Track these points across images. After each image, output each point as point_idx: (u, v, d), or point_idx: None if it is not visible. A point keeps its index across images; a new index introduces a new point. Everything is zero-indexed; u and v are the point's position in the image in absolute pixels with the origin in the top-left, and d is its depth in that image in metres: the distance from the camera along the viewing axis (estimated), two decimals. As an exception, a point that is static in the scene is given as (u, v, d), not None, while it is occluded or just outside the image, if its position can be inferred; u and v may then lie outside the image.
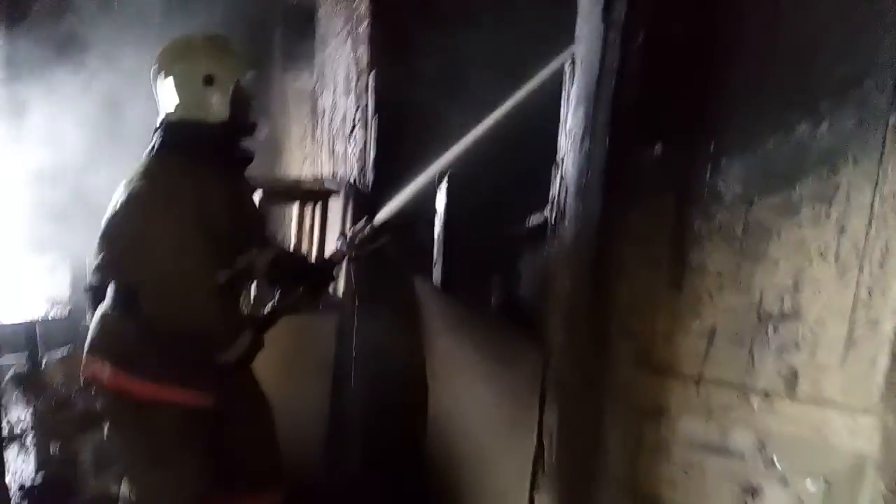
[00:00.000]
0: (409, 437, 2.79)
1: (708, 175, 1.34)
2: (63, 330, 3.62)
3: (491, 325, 2.61)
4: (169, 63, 2.06)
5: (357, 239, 2.36)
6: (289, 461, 2.32)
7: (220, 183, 2.04)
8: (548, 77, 1.96)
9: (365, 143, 3.23)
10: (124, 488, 2.14)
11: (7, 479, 2.91)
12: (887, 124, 1.16)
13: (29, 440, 3.31)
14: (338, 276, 3.02)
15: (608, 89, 1.47)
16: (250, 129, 2.18)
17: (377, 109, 3.11)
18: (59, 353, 3.43)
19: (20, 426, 3.49)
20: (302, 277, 2.29)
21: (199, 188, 1.96)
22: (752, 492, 1.30)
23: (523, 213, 2.76)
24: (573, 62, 1.64)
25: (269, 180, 3.66)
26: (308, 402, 2.95)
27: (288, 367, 2.76)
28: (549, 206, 1.73)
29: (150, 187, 1.97)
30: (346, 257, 2.40)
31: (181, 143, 2.04)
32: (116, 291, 2.04)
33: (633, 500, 1.46)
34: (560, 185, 1.65)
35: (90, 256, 2.08)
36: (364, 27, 3.25)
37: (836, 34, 1.21)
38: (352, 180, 3.34)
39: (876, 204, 1.18)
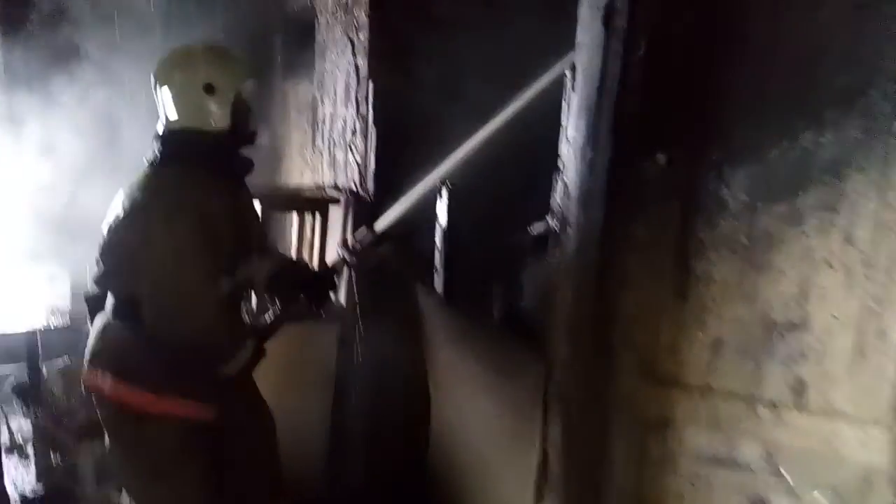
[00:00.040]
0: (412, 449, 2.77)
1: (712, 184, 1.34)
2: (63, 339, 3.60)
3: (493, 336, 2.60)
4: (169, 72, 2.06)
5: (358, 248, 2.35)
6: (289, 474, 2.30)
7: (221, 192, 2.03)
8: (547, 84, 1.95)
9: (365, 151, 3.22)
10: (125, 501, 2.12)
11: (9, 490, 2.90)
12: (892, 133, 1.15)
13: (29, 450, 3.29)
14: (339, 285, 3.01)
15: (610, 98, 1.47)
16: (251, 137, 2.17)
17: (377, 118, 3.11)
18: (60, 362, 3.42)
19: (20, 436, 3.48)
20: (303, 286, 2.28)
21: (200, 198, 1.95)
22: (760, 504, 1.29)
23: (524, 221, 2.75)
24: (573, 69, 1.63)
25: (269, 188, 3.65)
26: (309, 414, 2.93)
27: (288, 378, 2.74)
28: (550, 216, 1.72)
29: (153, 198, 1.96)
30: (348, 266, 2.38)
31: (182, 153, 2.03)
32: (118, 301, 2.03)
33: (639, 513, 1.45)
34: (562, 194, 1.65)
35: (90, 266, 2.06)
36: (363, 36, 3.25)
37: (839, 42, 1.21)
38: (352, 189, 3.33)
39: (882, 212, 1.17)
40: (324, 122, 4.01)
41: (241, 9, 4.06)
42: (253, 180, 2.29)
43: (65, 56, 3.90)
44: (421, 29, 3.10)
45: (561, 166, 1.66)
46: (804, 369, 1.23)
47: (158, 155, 2.05)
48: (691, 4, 1.38)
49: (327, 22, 3.91)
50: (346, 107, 3.54)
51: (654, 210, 1.40)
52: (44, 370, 3.39)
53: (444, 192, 2.74)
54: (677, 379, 1.36)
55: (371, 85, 3.14)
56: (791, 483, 1.25)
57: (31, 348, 3.45)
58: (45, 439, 3.11)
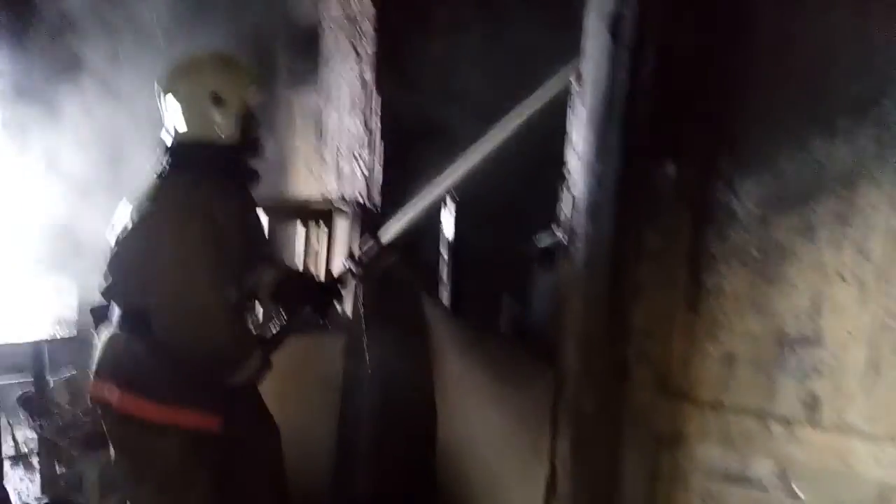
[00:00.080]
0: (419, 462, 2.75)
1: (722, 195, 1.32)
2: (70, 350, 3.60)
3: (500, 346, 2.58)
4: (175, 81, 2.05)
5: (365, 259, 2.34)
6: (295, 487, 2.28)
7: (228, 203, 2.02)
8: (554, 93, 1.94)
9: (372, 161, 3.22)
10: (130, 514, 2.11)
11: (13, 501, 2.89)
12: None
13: (35, 461, 3.29)
14: (346, 296, 2.99)
15: (619, 108, 1.45)
16: (259, 149, 2.17)
17: (384, 128, 3.10)
18: (66, 373, 3.41)
19: (26, 447, 3.47)
20: (309, 296, 2.27)
21: (209, 208, 1.95)
22: (773, 521, 1.27)
23: (530, 232, 2.74)
24: (580, 78, 1.62)
25: (276, 199, 3.64)
26: (314, 426, 2.91)
27: (294, 390, 2.73)
28: (559, 226, 1.70)
29: (161, 208, 1.96)
30: (354, 277, 2.37)
31: (190, 164, 2.03)
32: (125, 313, 2.02)
33: (650, 529, 1.42)
34: (570, 205, 1.63)
35: (98, 277, 2.06)
36: (369, 46, 3.25)
37: (852, 50, 1.20)
38: (359, 199, 3.33)
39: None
40: (330, 132, 4.01)
41: (246, 19, 4.06)
42: (259, 191, 2.28)
43: (69, 67, 3.91)
44: (427, 39, 3.10)
45: (568, 177, 1.65)
46: (817, 384, 1.21)
47: (166, 166, 2.05)
48: (699, 12, 1.37)
49: (333, 32, 3.91)
50: (353, 117, 3.54)
51: (664, 221, 1.38)
52: (50, 381, 3.39)
53: (451, 203, 2.73)
54: (689, 393, 1.34)
55: (377, 96, 3.14)
56: (804, 500, 1.23)
57: (37, 359, 3.45)
58: (50, 450, 3.11)
